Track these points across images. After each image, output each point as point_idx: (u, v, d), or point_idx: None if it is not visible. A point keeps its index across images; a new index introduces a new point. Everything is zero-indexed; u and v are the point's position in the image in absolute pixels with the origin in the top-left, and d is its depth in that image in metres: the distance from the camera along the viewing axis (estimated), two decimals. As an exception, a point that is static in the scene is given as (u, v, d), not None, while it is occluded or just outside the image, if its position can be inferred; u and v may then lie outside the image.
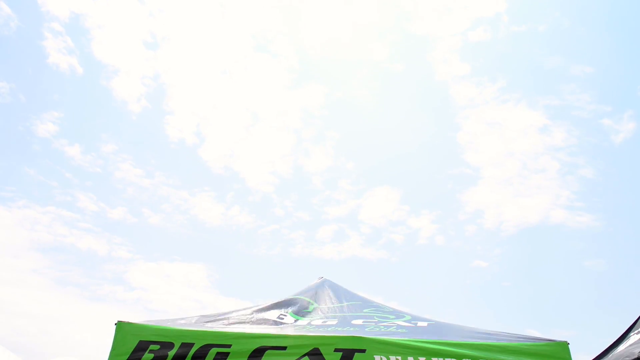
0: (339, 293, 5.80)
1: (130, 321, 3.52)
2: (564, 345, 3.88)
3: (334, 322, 4.52)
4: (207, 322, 3.76)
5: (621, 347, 6.37)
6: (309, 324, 4.57)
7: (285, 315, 4.87)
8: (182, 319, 3.72)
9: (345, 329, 4.13)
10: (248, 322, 3.90)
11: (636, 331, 6.63)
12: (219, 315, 3.95)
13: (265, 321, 4.28)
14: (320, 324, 4.49)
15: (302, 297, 5.55)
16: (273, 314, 4.67)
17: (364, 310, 5.07)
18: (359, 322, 4.52)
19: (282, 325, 4.28)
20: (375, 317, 4.74)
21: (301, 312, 5.17)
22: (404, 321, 4.54)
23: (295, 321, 4.67)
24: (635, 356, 5.19)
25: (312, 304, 5.41)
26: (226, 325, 3.75)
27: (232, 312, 4.11)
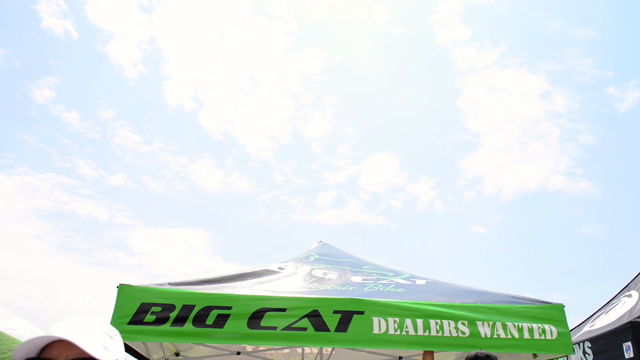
0: (339, 253, 5.88)
1: (131, 284, 3.55)
2: (560, 308, 3.95)
3: (335, 275, 4.57)
4: (208, 284, 3.79)
5: (612, 312, 6.50)
6: (309, 273, 4.62)
7: (286, 265, 4.93)
8: (183, 281, 3.75)
9: (344, 288, 4.18)
10: (249, 283, 3.93)
11: (625, 294, 6.74)
12: (220, 277, 3.98)
13: (267, 272, 4.31)
14: (320, 275, 4.54)
15: (303, 255, 5.64)
16: (274, 266, 4.72)
17: (364, 267, 5.13)
18: (359, 278, 4.57)
19: (282, 277, 4.30)
20: (374, 274, 4.80)
21: (302, 261, 5.25)
22: (403, 279, 4.59)
23: (297, 269, 4.73)
24: (627, 321, 5.29)
25: (313, 256, 5.49)
26: (227, 287, 3.78)
27: (233, 274, 4.14)
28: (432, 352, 3.64)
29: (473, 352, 3.31)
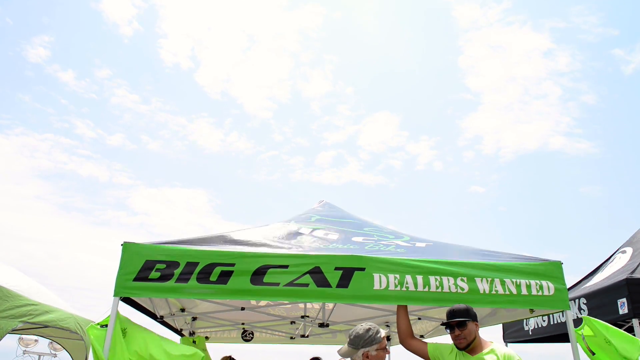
0: (341, 213, 5.93)
1: (135, 242, 3.59)
2: (558, 265, 4.01)
3: (335, 236, 4.63)
4: (212, 241, 3.84)
5: (607, 268, 6.61)
6: (311, 233, 4.68)
7: (288, 224, 4.98)
8: (187, 239, 3.79)
9: (345, 246, 4.24)
10: (251, 241, 3.97)
11: (620, 250, 6.84)
12: (224, 234, 4.02)
13: (269, 230, 4.35)
14: (322, 235, 4.59)
15: (304, 214, 5.69)
16: (276, 226, 4.78)
17: (365, 229, 5.19)
18: (359, 239, 4.63)
19: (284, 235, 4.35)
20: (375, 236, 4.85)
21: (304, 221, 5.31)
22: (403, 241, 4.65)
23: (299, 229, 4.78)
24: (623, 277, 5.38)
25: (315, 216, 5.54)
26: (230, 244, 3.82)
27: (236, 231, 4.18)
28: (405, 307, 3.70)
29: (453, 305, 3.36)
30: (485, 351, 3.19)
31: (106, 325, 3.45)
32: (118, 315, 3.65)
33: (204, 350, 6.28)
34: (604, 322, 4.33)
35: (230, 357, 5.64)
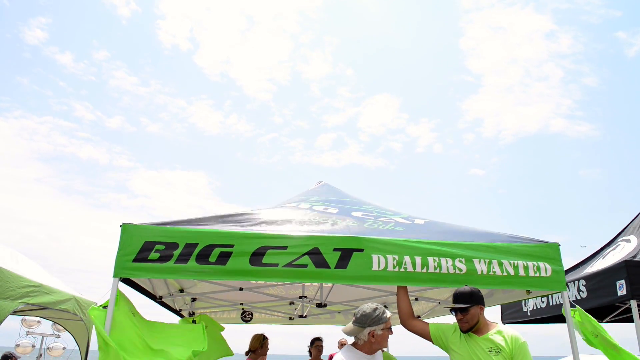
0: (339, 193, 5.94)
1: (134, 223, 3.60)
2: (555, 247, 4.02)
3: (335, 210, 4.63)
4: (210, 222, 3.84)
5: (609, 255, 6.62)
6: (310, 208, 4.68)
7: (287, 204, 4.99)
8: (186, 219, 3.79)
9: (345, 221, 4.24)
10: (251, 222, 3.98)
11: (623, 238, 6.85)
12: (223, 215, 4.02)
13: (267, 211, 4.35)
14: (321, 209, 4.60)
15: (303, 195, 5.69)
16: (275, 205, 4.78)
17: (363, 206, 5.20)
18: (359, 214, 4.63)
19: (283, 215, 4.35)
20: (374, 212, 4.86)
21: (303, 199, 5.32)
22: (402, 218, 4.65)
23: (298, 205, 4.79)
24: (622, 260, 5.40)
25: (314, 197, 5.55)
26: (229, 225, 3.83)
27: (235, 212, 4.18)
28: (405, 288, 3.73)
29: (459, 288, 3.40)
30: (491, 332, 3.24)
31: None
32: (127, 299, 3.68)
33: (207, 326, 6.32)
34: (594, 319, 4.40)
35: (262, 335, 5.61)
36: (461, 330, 3.32)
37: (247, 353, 5.27)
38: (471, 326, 3.27)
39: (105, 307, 3.44)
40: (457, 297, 3.31)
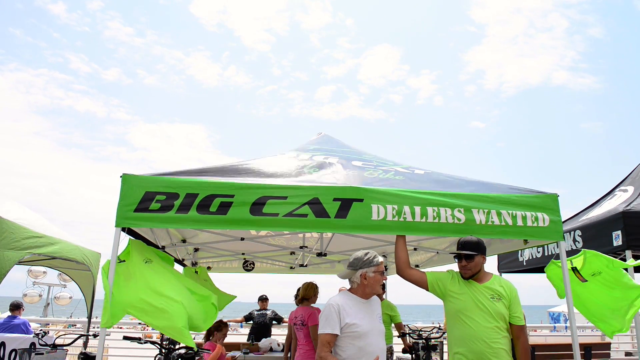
0: (339, 143, 5.92)
1: (135, 173, 3.59)
2: (554, 197, 4.04)
3: (335, 160, 4.62)
4: (211, 172, 3.83)
5: (605, 203, 6.65)
6: (311, 158, 4.68)
7: (287, 153, 4.97)
8: (186, 170, 3.78)
9: (346, 171, 4.24)
10: (251, 172, 3.97)
11: (621, 188, 6.86)
12: (223, 166, 4.01)
13: (268, 162, 4.33)
14: (322, 160, 4.59)
15: (303, 145, 5.67)
16: (275, 156, 4.76)
17: (363, 156, 5.19)
18: (359, 163, 4.63)
19: (283, 164, 4.34)
20: (374, 161, 4.85)
21: (303, 149, 5.31)
22: (402, 168, 4.65)
23: (297, 156, 4.77)
24: (619, 211, 5.43)
25: (314, 145, 5.54)
26: (229, 175, 3.82)
27: (236, 163, 4.17)
28: (404, 238, 3.78)
29: (466, 237, 3.48)
30: (491, 280, 3.39)
31: (124, 261, 3.55)
32: (140, 247, 3.74)
33: (206, 280, 6.47)
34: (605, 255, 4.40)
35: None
36: (463, 277, 3.43)
37: (300, 300, 5.35)
38: (473, 274, 3.39)
39: (121, 261, 3.51)
40: (464, 245, 3.41)
